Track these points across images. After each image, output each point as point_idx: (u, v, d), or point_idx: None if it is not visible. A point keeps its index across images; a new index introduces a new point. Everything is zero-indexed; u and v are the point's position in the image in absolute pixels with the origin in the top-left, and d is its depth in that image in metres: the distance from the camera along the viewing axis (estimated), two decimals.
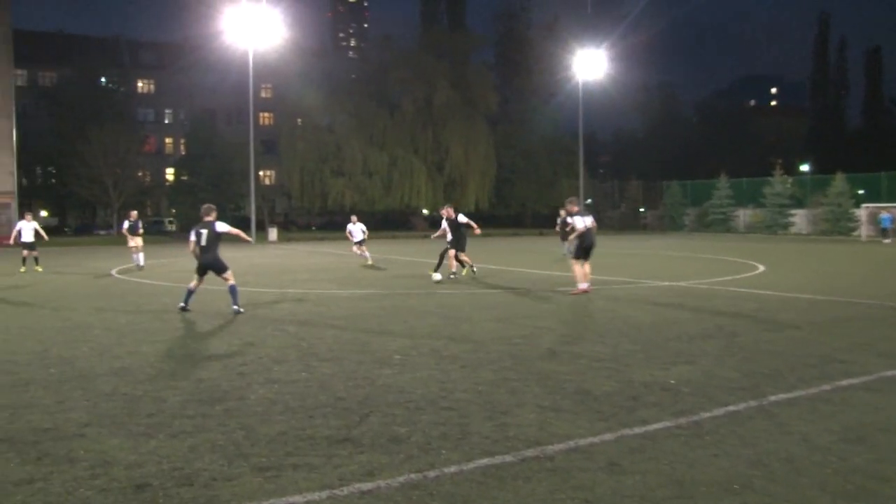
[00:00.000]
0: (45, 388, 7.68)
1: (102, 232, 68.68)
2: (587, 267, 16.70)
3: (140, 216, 27.95)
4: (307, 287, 18.21)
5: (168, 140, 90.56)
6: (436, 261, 20.72)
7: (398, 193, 70.80)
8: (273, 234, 54.53)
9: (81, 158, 64.87)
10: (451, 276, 19.24)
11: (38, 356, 9.49)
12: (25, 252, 24.15)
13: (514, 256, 30.57)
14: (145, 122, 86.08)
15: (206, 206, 13.46)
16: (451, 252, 19.45)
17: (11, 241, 24.19)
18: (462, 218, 19.55)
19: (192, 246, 13.26)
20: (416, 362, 8.93)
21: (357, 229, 26.35)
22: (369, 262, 25.58)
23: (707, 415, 6.70)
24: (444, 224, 19.72)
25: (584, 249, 16.53)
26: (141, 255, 25.00)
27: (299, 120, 72.48)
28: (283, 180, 78.01)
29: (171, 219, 75.45)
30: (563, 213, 25.05)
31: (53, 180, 75.59)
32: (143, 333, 11.23)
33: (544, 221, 69.68)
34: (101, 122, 67.80)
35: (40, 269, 24.13)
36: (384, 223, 72.99)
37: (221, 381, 7.96)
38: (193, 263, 13.97)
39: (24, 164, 66.60)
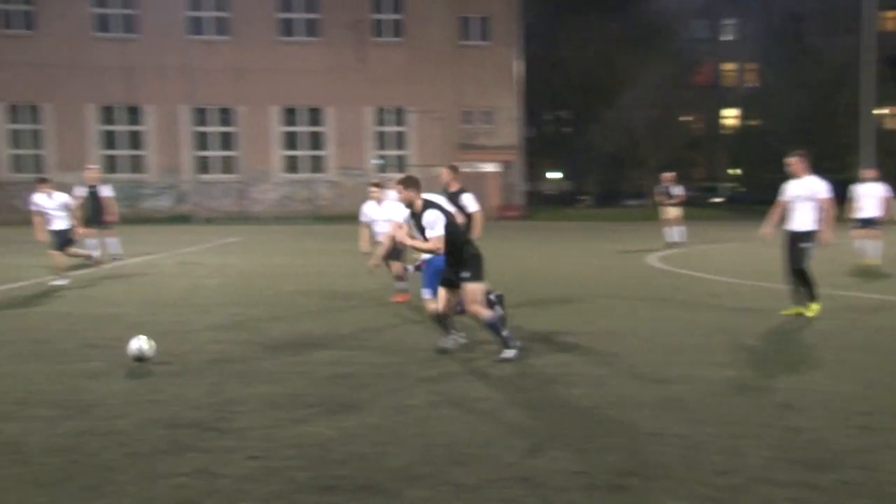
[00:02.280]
0: (526, 408, 6.49)
1: (633, 202, 54.14)
2: None
3: (677, 178, 22.71)
4: None
5: (727, 67, 64.55)
6: None
7: None
8: None
9: (604, 96, 49.55)
10: (459, 340, 9.76)
11: None
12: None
13: None
14: (693, 42, 59.24)
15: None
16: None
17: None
18: (470, 201, 11.14)
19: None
20: None
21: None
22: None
23: None
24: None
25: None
26: (675, 231, 21.87)
27: None
28: None
29: (731, 185, 56.68)
30: None
31: (567, 129, 61.00)
32: (700, 351, 8.99)
33: None
34: (633, 42, 50.60)
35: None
36: None
37: (830, 436, 6.03)
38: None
39: (528, 105, 49.94)
